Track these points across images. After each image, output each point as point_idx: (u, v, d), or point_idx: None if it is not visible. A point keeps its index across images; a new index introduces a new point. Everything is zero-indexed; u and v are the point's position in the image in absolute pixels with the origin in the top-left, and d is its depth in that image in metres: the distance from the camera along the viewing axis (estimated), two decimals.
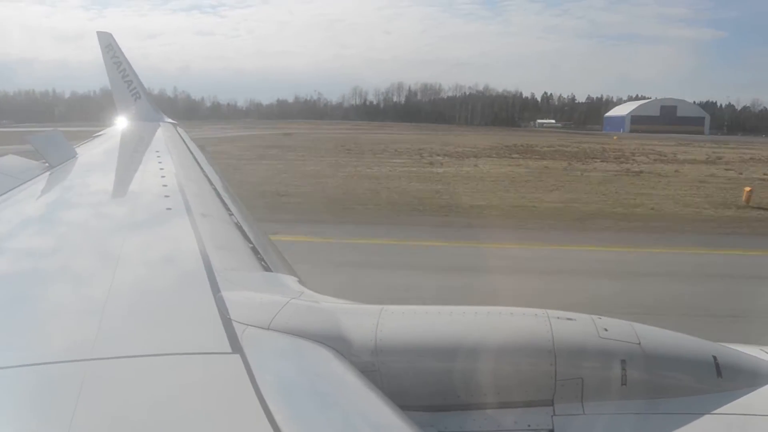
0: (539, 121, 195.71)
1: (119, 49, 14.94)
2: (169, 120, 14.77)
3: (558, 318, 2.66)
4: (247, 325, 2.49)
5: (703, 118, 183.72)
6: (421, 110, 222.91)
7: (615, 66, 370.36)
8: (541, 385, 2.50)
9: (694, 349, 2.69)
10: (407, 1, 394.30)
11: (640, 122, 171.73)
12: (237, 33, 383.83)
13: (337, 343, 2.51)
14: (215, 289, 2.89)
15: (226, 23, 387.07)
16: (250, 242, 4.15)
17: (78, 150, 8.56)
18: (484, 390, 2.50)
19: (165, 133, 12.15)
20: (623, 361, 2.52)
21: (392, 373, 2.51)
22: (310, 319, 2.61)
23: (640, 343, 2.58)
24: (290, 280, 3.34)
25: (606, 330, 2.61)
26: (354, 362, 2.46)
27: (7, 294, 3.01)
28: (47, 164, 6.93)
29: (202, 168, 8.06)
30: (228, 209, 5.34)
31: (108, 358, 2.24)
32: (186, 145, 10.78)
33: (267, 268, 3.60)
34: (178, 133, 12.59)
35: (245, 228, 4.62)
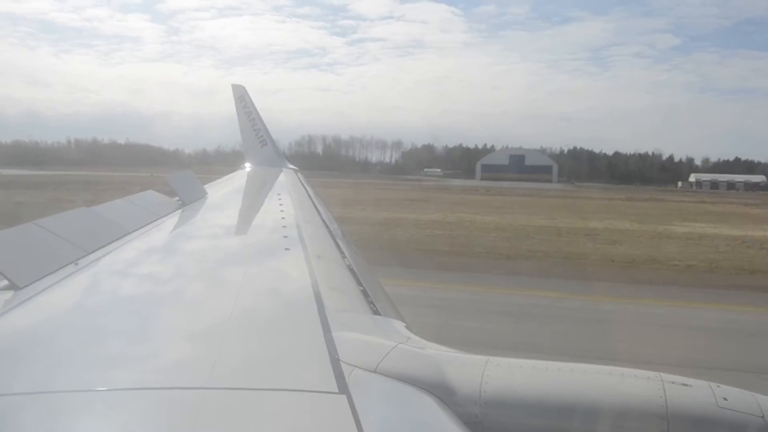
0: (426, 169, 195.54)
1: (250, 100, 15.97)
2: (292, 166, 15.46)
3: (672, 383, 2.48)
4: (355, 366, 2.52)
5: (551, 166, 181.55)
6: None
7: (728, 120, 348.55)
8: None
9: None
10: (514, 57, 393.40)
11: (489, 170, 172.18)
12: (351, 89, 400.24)
13: (442, 392, 2.48)
14: (326, 328, 2.97)
15: (342, 80, 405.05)
16: (361, 285, 4.25)
17: (208, 190, 9.15)
18: None
19: (287, 178, 12.73)
20: None
21: (496, 427, 2.43)
22: (416, 365, 2.60)
23: (764, 417, 2.34)
24: (398, 325, 3.36)
25: (725, 399, 2.40)
26: (457, 412, 2.42)
27: (135, 321, 3.25)
28: (181, 202, 7.46)
29: (319, 212, 8.37)
30: (342, 252, 5.50)
31: (222, 389, 2.34)
32: (306, 190, 11.23)
33: (376, 312, 3.66)
34: (299, 179, 13.15)
35: (357, 271, 4.73)
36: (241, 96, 15.91)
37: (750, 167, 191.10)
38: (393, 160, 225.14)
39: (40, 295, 3.45)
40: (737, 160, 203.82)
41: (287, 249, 5.07)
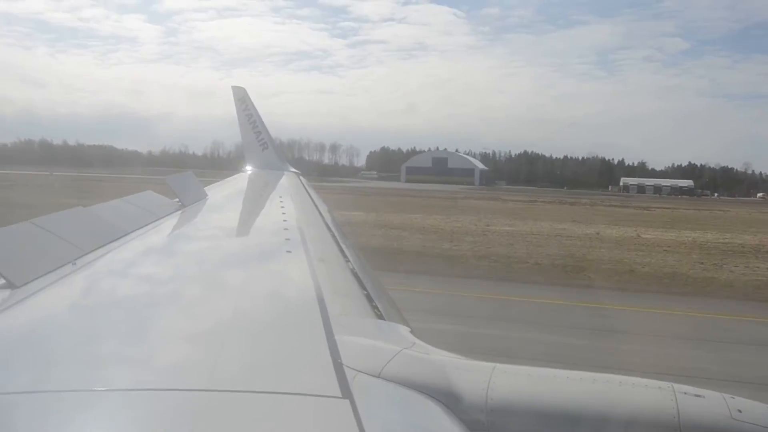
0: (363, 171, 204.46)
1: (251, 102, 15.92)
2: (293, 169, 15.42)
3: (685, 393, 2.42)
4: (358, 371, 2.47)
5: (473, 170, 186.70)
6: None
7: (740, 127, 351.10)
8: None
9: None
10: (519, 61, 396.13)
11: (414, 173, 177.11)
12: (354, 92, 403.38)
13: (447, 398, 2.43)
14: (329, 333, 2.91)
15: (344, 83, 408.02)
16: (365, 289, 4.18)
17: (208, 192, 9.09)
18: None
19: (288, 181, 12.69)
20: None
21: None
22: (421, 370, 2.55)
23: None
24: (402, 330, 3.30)
25: (740, 412, 2.34)
26: (462, 419, 2.36)
27: (133, 322, 3.19)
28: (180, 203, 7.40)
29: (322, 215, 8.32)
30: (345, 256, 5.44)
31: (223, 391, 2.28)
32: (308, 193, 11.19)
33: (380, 316, 3.60)
34: (301, 182, 13.12)
35: (360, 275, 4.67)
36: (241, 98, 15.87)
37: (696, 172, 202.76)
38: (343, 162, 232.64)
39: (38, 295, 3.40)
40: (690, 164, 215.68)
41: (289, 252, 5.01)
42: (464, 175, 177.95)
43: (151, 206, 6.68)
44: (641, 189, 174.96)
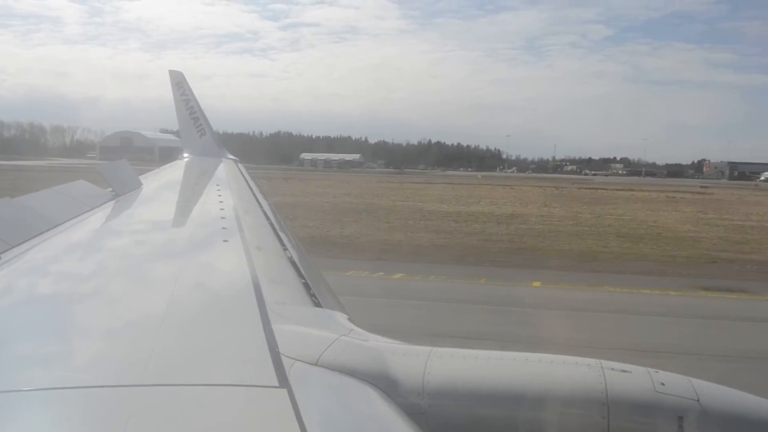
0: (89, 154, 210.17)
1: (189, 87, 15.49)
2: (231, 156, 15.15)
3: (612, 369, 2.56)
4: (295, 359, 2.47)
5: (153, 148, 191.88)
6: None
7: (663, 111, 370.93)
8: None
9: (758, 409, 2.52)
10: (450, 45, 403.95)
11: (106, 152, 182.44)
12: (288, 75, 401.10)
13: (384, 383, 2.47)
14: (266, 321, 2.89)
15: (277, 66, 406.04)
16: (303, 277, 4.18)
17: (143, 181, 8.86)
18: None
19: (226, 169, 12.46)
20: (680, 418, 2.39)
21: (439, 418, 2.44)
22: (358, 357, 2.58)
23: (699, 400, 2.44)
24: (340, 317, 3.32)
25: (663, 384, 2.49)
26: (400, 403, 2.41)
27: (64, 316, 3.10)
28: (114, 192, 7.18)
29: (260, 203, 8.22)
30: (282, 244, 5.40)
31: (158, 385, 2.25)
32: (246, 181, 11.04)
33: (318, 304, 3.60)
34: (239, 170, 12.90)
35: (298, 263, 4.66)
36: (179, 83, 15.43)
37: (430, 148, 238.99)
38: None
39: None
40: (430, 141, 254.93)
41: (226, 241, 4.94)
42: (144, 152, 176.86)
43: (83, 196, 6.47)
44: (314, 163, 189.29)
